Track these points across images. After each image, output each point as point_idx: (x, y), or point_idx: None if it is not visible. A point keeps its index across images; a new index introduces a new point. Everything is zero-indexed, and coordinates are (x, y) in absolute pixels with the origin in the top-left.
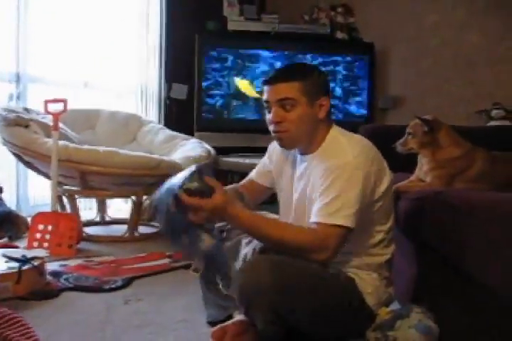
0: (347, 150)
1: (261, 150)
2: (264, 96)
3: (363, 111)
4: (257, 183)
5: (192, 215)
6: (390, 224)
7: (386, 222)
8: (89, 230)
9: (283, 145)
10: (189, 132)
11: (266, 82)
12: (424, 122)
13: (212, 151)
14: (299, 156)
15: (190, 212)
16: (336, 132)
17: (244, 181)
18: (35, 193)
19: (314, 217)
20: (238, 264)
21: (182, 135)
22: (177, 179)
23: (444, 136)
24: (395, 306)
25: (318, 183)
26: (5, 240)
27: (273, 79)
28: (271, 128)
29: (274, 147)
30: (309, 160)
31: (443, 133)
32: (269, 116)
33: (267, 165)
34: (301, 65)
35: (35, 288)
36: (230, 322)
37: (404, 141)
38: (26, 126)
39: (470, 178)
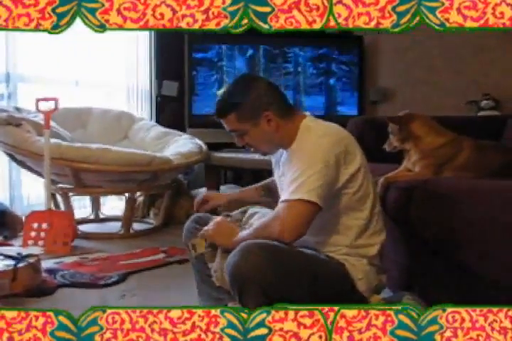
0: (311, 134)
1: None
2: None
3: (355, 104)
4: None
5: None
6: (367, 212)
7: (362, 208)
8: (83, 228)
9: (265, 155)
10: (181, 129)
11: None
12: (391, 121)
13: (204, 147)
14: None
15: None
16: (306, 122)
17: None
18: (28, 193)
19: (279, 200)
20: None
21: (174, 131)
22: None
23: (419, 127)
24: (387, 294)
25: (289, 171)
26: (1, 239)
27: (215, 114)
28: None
29: None
30: (287, 152)
31: (416, 124)
32: None
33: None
34: (232, 93)
35: (32, 285)
36: None
37: (388, 141)
38: (18, 125)
39: (458, 167)
